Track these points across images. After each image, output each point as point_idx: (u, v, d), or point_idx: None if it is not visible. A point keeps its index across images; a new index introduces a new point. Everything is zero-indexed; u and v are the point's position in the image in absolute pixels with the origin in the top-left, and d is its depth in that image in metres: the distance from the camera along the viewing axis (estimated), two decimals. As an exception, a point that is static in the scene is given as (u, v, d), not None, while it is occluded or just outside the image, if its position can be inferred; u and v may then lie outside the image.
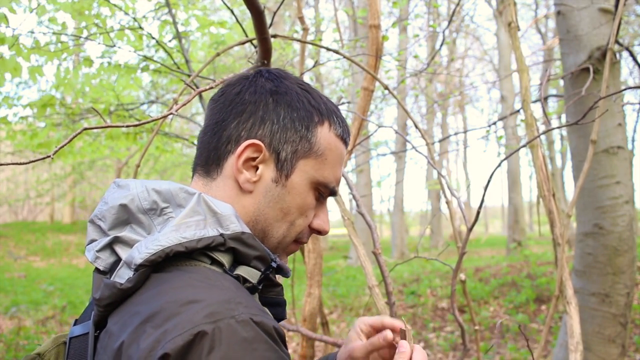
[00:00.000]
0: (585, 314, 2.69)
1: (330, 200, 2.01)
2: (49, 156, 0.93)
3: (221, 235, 0.76)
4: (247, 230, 0.79)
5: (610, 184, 2.67)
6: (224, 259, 0.76)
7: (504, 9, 11.62)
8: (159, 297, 0.69)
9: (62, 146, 0.92)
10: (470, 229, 1.71)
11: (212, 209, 0.78)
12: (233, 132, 0.84)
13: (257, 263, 0.78)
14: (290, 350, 6.03)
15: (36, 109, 4.16)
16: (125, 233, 0.79)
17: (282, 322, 2.34)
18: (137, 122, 1.13)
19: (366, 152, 10.30)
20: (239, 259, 0.78)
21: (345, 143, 0.92)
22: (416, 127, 1.97)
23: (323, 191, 0.89)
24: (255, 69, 0.94)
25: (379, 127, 2.17)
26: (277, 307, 0.83)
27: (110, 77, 4.42)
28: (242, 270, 0.77)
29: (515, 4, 2.13)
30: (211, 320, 0.64)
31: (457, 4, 3.89)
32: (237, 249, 0.77)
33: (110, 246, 0.79)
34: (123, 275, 0.74)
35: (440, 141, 6.18)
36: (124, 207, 0.80)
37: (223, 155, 0.85)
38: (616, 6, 2.44)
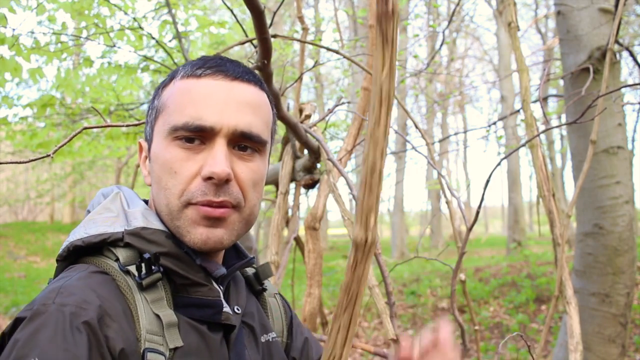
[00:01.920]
0: (585, 314, 2.69)
1: (330, 200, 2.00)
2: (48, 155, 0.94)
3: (123, 231, 0.78)
4: (153, 226, 0.79)
5: (610, 184, 2.67)
6: (122, 254, 0.76)
7: (504, 9, 11.62)
8: None
9: (62, 145, 0.92)
10: (470, 229, 1.71)
11: (123, 206, 0.81)
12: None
13: (157, 257, 0.76)
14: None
15: (36, 109, 4.16)
16: (73, 230, 0.84)
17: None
18: (137, 122, 1.14)
19: (366, 152, 10.26)
20: (143, 255, 0.77)
21: (201, 76, 0.80)
22: (416, 127, 1.97)
23: (181, 135, 0.78)
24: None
25: (379, 127, 2.16)
26: (205, 309, 0.78)
27: (110, 77, 4.42)
28: (133, 266, 0.76)
29: (515, 4, 2.13)
30: (28, 308, 0.68)
31: (457, 4, 3.89)
32: (134, 245, 0.77)
33: None
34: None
35: (440, 141, 6.18)
36: (88, 212, 0.86)
37: None
38: (616, 6, 2.44)
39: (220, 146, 0.77)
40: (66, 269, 0.78)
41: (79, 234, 0.79)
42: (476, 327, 2.09)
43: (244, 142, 0.80)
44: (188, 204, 0.77)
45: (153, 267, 0.75)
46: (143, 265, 0.75)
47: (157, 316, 0.73)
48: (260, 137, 0.81)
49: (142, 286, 0.74)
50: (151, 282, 0.75)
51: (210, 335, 0.78)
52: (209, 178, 0.76)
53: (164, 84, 0.85)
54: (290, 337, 1.00)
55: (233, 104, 0.79)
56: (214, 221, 0.78)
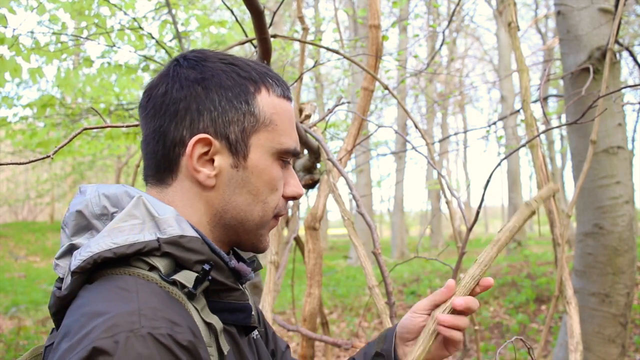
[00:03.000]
0: (585, 314, 2.69)
1: (330, 200, 2.00)
2: (48, 156, 0.93)
3: (157, 239, 0.73)
4: (189, 233, 0.75)
5: (610, 184, 2.67)
6: (161, 264, 0.72)
7: (504, 9, 11.62)
8: (78, 309, 0.68)
9: (62, 146, 0.92)
10: (470, 229, 1.71)
11: (150, 212, 0.75)
12: (175, 134, 0.79)
13: (199, 267, 0.73)
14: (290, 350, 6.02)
15: (36, 108, 4.16)
16: (81, 240, 0.77)
17: (282, 322, 2.34)
18: (137, 122, 1.14)
19: (366, 152, 10.30)
20: (181, 264, 0.74)
21: (289, 99, 0.87)
22: (416, 127, 1.97)
23: (286, 158, 0.85)
24: (169, 61, 0.87)
25: (379, 127, 2.17)
26: (238, 313, 0.78)
27: (110, 77, 4.42)
28: (181, 275, 0.72)
29: (515, 4, 2.13)
30: (108, 335, 0.60)
31: (457, 4, 3.89)
32: (173, 254, 0.73)
33: (70, 253, 0.77)
34: (66, 283, 0.73)
35: (440, 141, 6.18)
36: (80, 213, 0.78)
37: (174, 161, 0.80)
38: (616, 6, 2.44)
39: (292, 170, 0.88)
40: (99, 283, 0.71)
41: (105, 244, 0.72)
42: (476, 327, 2.09)
43: None
44: (275, 215, 0.86)
45: (207, 276, 0.74)
46: (200, 274, 0.73)
47: (207, 324, 0.72)
48: None
49: (194, 296, 0.72)
50: (199, 292, 0.73)
51: (240, 338, 0.80)
52: (294, 197, 0.87)
53: (252, 91, 0.82)
54: (260, 325, 1.02)
55: None
56: None
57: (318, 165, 2.21)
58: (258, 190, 0.82)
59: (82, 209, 0.78)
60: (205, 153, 0.79)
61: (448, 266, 1.96)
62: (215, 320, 0.73)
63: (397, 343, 0.99)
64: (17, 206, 23.10)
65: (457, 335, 0.89)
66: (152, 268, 0.72)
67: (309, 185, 2.24)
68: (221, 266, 0.77)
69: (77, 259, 0.71)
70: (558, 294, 1.96)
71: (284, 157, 0.84)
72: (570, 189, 15.97)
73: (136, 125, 1.14)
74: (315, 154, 2.10)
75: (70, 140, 0.95)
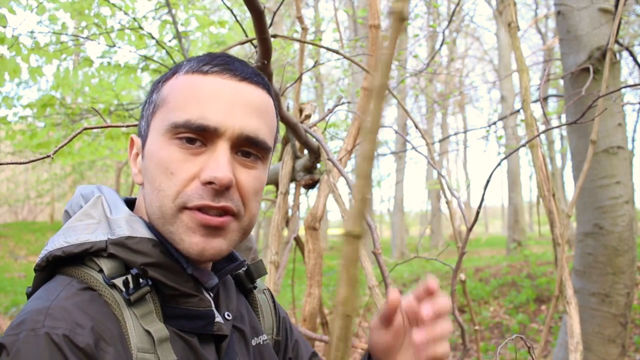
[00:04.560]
0: (585, 314, 2.69)
1: (330, 200, 2.00)
2: (48, 156, 0.93)
3: (106, 240, 0.72)
4: (139, 234, 0.72)
5: (610, 184, 2.67)
6: (106, 265, 0.71)
7: (504, 9, 11.62)
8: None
9: (62, 146, 0.92)
10: (470, 229, 1.71)
11: (105, 212, 0.75)
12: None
13: (145, 271, 0.70)
14: (290, 350, 6.02)
15: (36, 109, 4.16)
16: (52, 237, 0.78)
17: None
18: (137, 122, 1.13)
19: (366, 152, 10.26)
20: (128, 266, 0.72)
21: (207, 73, 0.75)
22: (416, 127, 1.97)
23: (181, 134, 0.73)
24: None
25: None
26: (196, 320, 0.74)
27: (110, 76, 4.42)
28: (122, 279, 0.70)
29: (515, 4, 2.13)
30: (14, 332, 0.62)
31: (457, 4, 3.90)
32: (118, 255, 0.71)
33: None
34: None
35: (440, 141, 6.19)
36: (66, 213, 0.80)
37: None
38: (616, 6, 2.44)
39: (223, 150, 0.72)
40: (48, 282, 0.73)
41: (58, 243, 0.73)
42: (476, 327, 2.09)
43: (248, 148, 0.76)
44: (183, 207, 0.72)
45: (141, 281, 0.70)
46: (130, 279, 0.69)
47: (148, 332, 0.69)
48: (265, 144, 0.77)
49: (130, 301, 0.69)
50: (139, 297, 0.70)
51: (200, 347, 0.74)
52: (209, 183, 0.71)
53: (165, 78, 0.79)
54: (279, 333, 0.98)
55: (240, 106, 0.74)
56: (212, 230, 0.73)
57: (318, 165, 2.21)
58: (153, 178, 0.74)
59: (67, 209, 0.80)
60: (137, 153, 0.81)
61: (448, 266, 1.96)
62: (155, 329, 0.70)
63: None
64: (17, 206, 23.10)
65: (443, 349, 0.77)
66: (102, 269, 0.72)
67: (309, 185, 2.24)
68: (175, 270, 0.74)
69: (38, 257, 0.74)
70: (558, 294, 1.96)
71: (177, 133, 0.72)
72: (570, 189, 15.97)
73: (136, 125, 1.14)
74: (315, 154, 2.10)
75: (71, 140, 0.95)
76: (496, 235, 26.29)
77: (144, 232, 0.74)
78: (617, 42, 2.49)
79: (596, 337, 2.68)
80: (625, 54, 3.25)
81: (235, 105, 0.74)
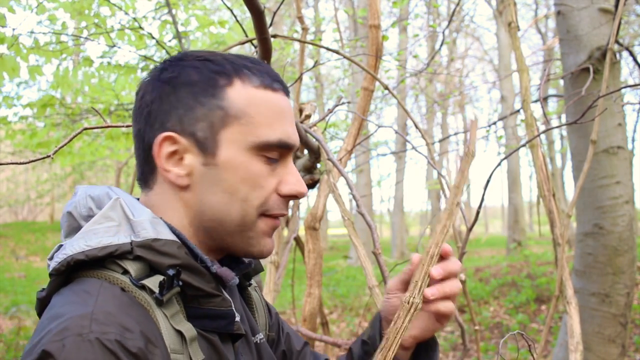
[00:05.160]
0: (585, 314, 2.69)
1: (330, 200, 2.00)
2: (48, 156, 0.93)
3: (131, 242, 0.72)
4: (164, 236, 0.73)
5: (610, 184, 2.67)
6: (132, 267, 0.71)
7: (504, 9, 11.62)
8: (47, 312, 0.68)
9: (62, 146, 0.92)
10: (470, 229, 1.71)
11: (126, 214, 0.74)
12: (150, 136, 0.78)
13: (173, 271, 0.71)
14: (290, 350, 6.02)
15: (36, 108, 4.16)
16: (69, 240, 0.76)
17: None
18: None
19: (366, 152, 10.30)
20: (154, 268, 0.72)
21: (275, 89, 0.80)
22: (416, 127, 1.97)
23: (270, 153, 0.78)
24: (157, 65, 0.85)
25: (379, 127, 2.17)
26: (219, 320, 0.76)
27: (110, 76, 4.43)
28: (151, 280, 0.70)
29: (515, 4, 2.13)
30: (58, 338, 0.60)
31: (457, 4, 3.90)
32: (145, 258, 0.71)
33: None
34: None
35: (440, 141, 6.18)
36: (70, 214, 0.79)
37: (152, 163, 0.79)
38: (616, 6, 2.44)
39: (293, 164, 0.82)
40: (71, 285, 0.72)
41: (78, 247, 0.72)
42: (476, 327, 2.09)
43: None
44: (262, 215, 0.79)
45: (174, 282, 0.71)
46: (165, 280, 0.70)
47: (178, 332, 0.70)
48: None
49: (161, 302, 0.70)
50: (169, 298, 0.71)
51: (222, 346, 0.76)
52: (293, 196, 0.80)
53: (222, 84, 0.77)
54: (272, 329, 1.00)
55: (293, 122, 0.83)
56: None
57: (318, 165, 2.21)
58: (234, 188, 0.77)
59: (71, 210, 0.79)
60: (175, 152, 0.78)
61: (448, 266, 1.95)
62: (186, 328, 0.71)
63: (383, 327, 0.96)
64: (17, 206, 23.10)
65: (447, 307, 0.83)
66: (126, 271, 0.71)
67: (309, 185, 2.24)
68: (199, 271, 0.74)
69: (54, 261, 0.72)
70: (558, 294, 1.96)
71: (266, 151, 0.77)
72: (570, 189, 15.99)
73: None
74: (315, 154, 2.10)
75: (71, 140, 0.95)
76: (496, 235, 26.29)
77: (167, 234, 0.74)
78: (617, 42, 2.49)
79: (596, 337, 2.68)
80: (625, 54, 3.25)
81: (293, 122, 0.83)
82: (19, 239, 17.03)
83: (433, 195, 18.48)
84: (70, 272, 0.73)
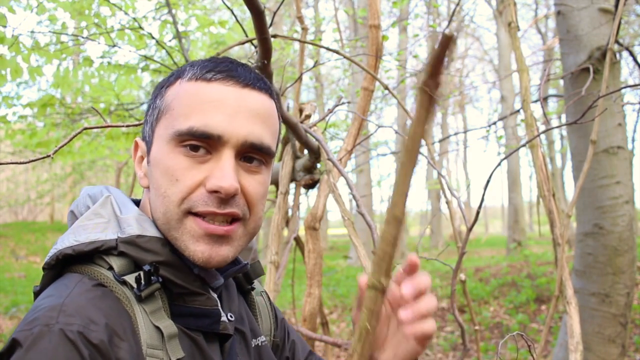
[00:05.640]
0: (585, 314, 2.69)
1: (330, 200, 2.00)
2: (48, 156, 0.93)
3: (117, 239, 0.73)
4: (149, 233, 0.74)
5: (610, 184, 2.67)
6: (117, 263, 0.72)
7: (504, 9, 11.62)
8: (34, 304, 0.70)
9: (62, 146, 0.92)
10: (470, 229, 1.71)
11: (115, 211, 0.76)
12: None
13: (157, 268, 0.72)
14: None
15: (36, 108, 4.16)
16: (61, 236, 0.78)
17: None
18: (137, 122, 1.14)
19: (366, 152, 10.30)
20: (138, 264, 0.73)
21: (211, 80, 0.76)
22: (416, 127, 1.97)
23: (186, 142, 0.74)
24: None
25: (379, 127, 2.17)
26: (203, 319, 0.76)
27: (110, 76, 4.43)
28: (132, 276, 0.71)
29: (515, 4, 2.13)
30: (28, 328, 0.63)
31: (457, 4, 3.90)
32: (129, 254, 0.72)
33: None
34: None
35: (440, 141, 6.19)
36: (72, 213, 0.81)
37: None
38: (616, 6, 2.44)
39: (228, 158, 0.73)
40: (57, 280, 0.74)
41: (68, 241, 0.74)
42: (476, 327, 2.09)
43: (252, 154, 0.77)
44: (188, 212, 0.74)
45: (152, 278, 0.71)
46: (142, 275, 0.71)
47: (157, 328, 0.70)
48: (269, 149, 0.78)
49: (140, 298, 0.70)
50: (149, 293, 0.71)
51: (206, 345, 0.76)
52: (215, 191, 0.73)
53: (169, 83, 0.79)
54: (277, 335, 1.00)
55: (243, 113, 0.75)
56: (218, 238, 0.74)
57: (318, 165, 2.21)
58: (158, 183, 0.75)
59: (73, 209, 0.81)
60: (142, 157, 0.82)
61: (448, 266, 1.96)
62: (165, 325, 0.71)
63: None
64: (17, 206, 23.10)
65: (426, 327, 0.76)
66: (111, 267, 0.73)
67: (309, 185, 2.24)
68: (182, 268, 0.75)
69: (47, 256, 0.75)
70: (558, 294, 1.96)
71: (182, 142, 0.74)
72: (570, 189, 15.98)
73: (136, 125, 1.14)
74: (315, 154, 2.10)
75: (71, 140, 0.95)
76: (496, 235, 26.30)
77: (153, 232, 0.75)
78: (617, 42, 2.49)
79: (596, 337, 2.68)
80: (625, 54, 3.25)
81: (239, 112, 0.75)
82: (19, 239, 17.02)
83: (433, 195, 18.48)
84: (62, 267, 0.75)
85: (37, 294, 0.76)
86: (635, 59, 2.81)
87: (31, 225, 20.09)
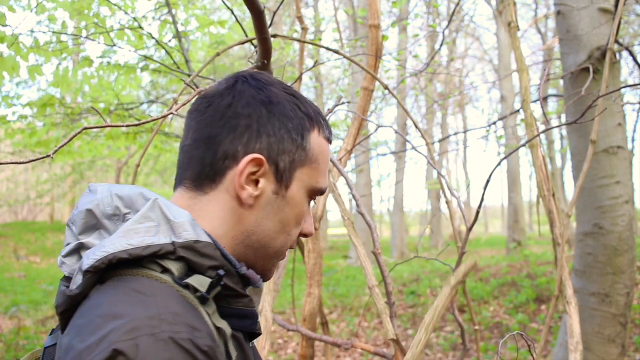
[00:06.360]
0: (585, 314, 2.69)
1: (330, 200, 2.00)
2: (48, 156, 0.93)
3: (172, 243, 0.73)
4: (204, 239, 0.76)
5: (610, 184, 2.67)
6: (174, 267, 0.73)
7: (504, 9, 11.62)
8: (92, 310, 0.68)
9: (62, 146, 0.91)
10: (470, 229, 1.71)
11: (166, 215, 0.76)
12: (229, 147, 0.81)
13: (212, 272, 0.74)
14: (290, 350, 6.02)
15: (36, 108, 4.16)
16: (91, 239, 0.77)
17: (282, 322, 2.34)
18: (137, 122, 1.13)
19: (366, 152, 10.30)
20: (194, 268, 0.74)
21: (330, 142, 0.92)
22: (416, 127, 1.97)
23: (315, 197, 0.89)
24: (234, 76, 0.89)
25: (379, 127, 2.17)
26: (246, 320, 0.79)
27: (110, 76, 4.43)
28: (194, 280, 0.72)
29: (515, 4, 2.13)
30: (130, 338, 0.61)
31: (457, 4, 3.89)
32: (188, 258, 0.73)
33: (77, 252, 0.77)
34: (76, 282, 0.73)
35: (440, 141, 6.19)
36: (90, 212, 0.78)
37: (220, 172, 0.81)
38: (616, 6, 2.44)
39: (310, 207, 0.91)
40: (112, 284, 0.71)
41: (120, 245, 0.72)
42: (476, 327, 2.09)
43: None
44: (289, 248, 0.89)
45: (221, 283, 0.74)
46: (216, 281, 0.73)
47: (218, 329, 0.72)
48: None
49: (206, 300, 0.72)
50: (213, 296, 0.74)
51: (246, 344, 0.80)
52: (305, 235, 0.89)
53: (308, 128, 0.87)
54: None
55: None
56: None
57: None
58: (288, 221, 0.86)
59: (92, 208, 0.78)
60: (254, 173, 0.81)
61: (448, 266, 1.96)
62: (224, 326, 0.73)
63: None
64: (17, 206, 23.11)
65: None
66: (165, 271, 0.72)
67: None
68: (232, 272, 0.78)
69: (91, 259, 0.71)
70: (558, 294, 1.96)
71: (314, 195, 0.88)
72: (570, 189, 15.99)
73: (136, 125, 1.14)
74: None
75: (71, 140, 0.95)
76: (496, 235, 26.31)
77: (206, 237, 0.77)
78: (617, 42, 2.49)
79: (596, 337, 2.68)
80: (625, 54, 3.25)
81: None
82: (19, 239, 17.02)
83: (433, 195, 18.49)
84: (106, 271, 0.73)
85: (74, 298, 0.72)
86: (635, 59, 2.81)
87: (31, 225, 20.09)
